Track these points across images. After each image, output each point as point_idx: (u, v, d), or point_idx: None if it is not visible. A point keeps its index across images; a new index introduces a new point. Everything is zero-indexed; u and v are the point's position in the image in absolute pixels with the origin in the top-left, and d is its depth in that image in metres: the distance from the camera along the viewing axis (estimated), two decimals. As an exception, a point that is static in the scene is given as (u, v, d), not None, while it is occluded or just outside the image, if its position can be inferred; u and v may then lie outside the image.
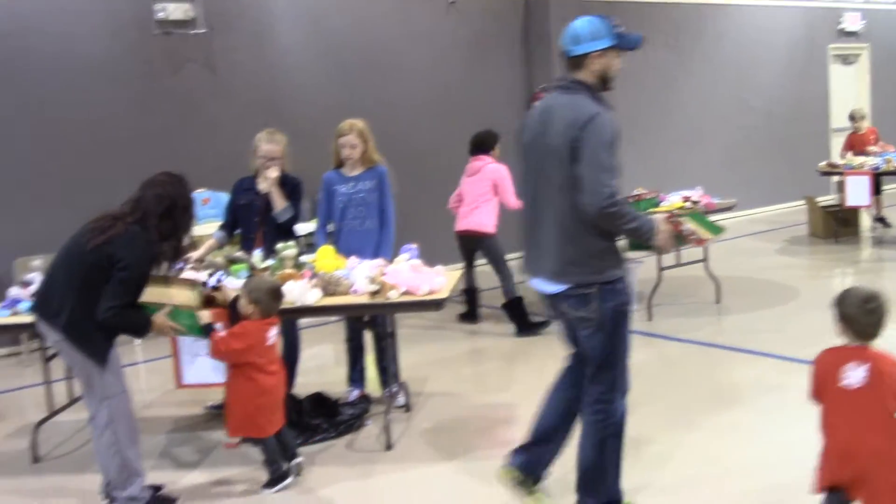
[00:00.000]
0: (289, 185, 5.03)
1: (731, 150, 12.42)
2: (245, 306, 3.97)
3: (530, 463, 3.46)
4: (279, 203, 4.88)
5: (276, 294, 4.05)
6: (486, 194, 6.76)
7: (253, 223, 5.03)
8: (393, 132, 5.13)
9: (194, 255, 4.86)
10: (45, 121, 7.34)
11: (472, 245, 6.87)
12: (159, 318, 3.75)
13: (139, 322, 3.71)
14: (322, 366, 6.06)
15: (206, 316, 3.89)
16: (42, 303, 3.71)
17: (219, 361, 4.00)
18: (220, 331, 3.89)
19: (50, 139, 7.35)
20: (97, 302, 3.54)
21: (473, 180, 6.88)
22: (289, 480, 3.99)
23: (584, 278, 3.15)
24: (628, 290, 3.27)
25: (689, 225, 3.50)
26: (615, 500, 3.37)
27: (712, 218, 4.48)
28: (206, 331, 3.87)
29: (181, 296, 3.87)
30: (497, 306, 6.96)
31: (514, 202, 6.43)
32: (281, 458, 4.00)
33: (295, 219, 4.96)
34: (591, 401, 3.32)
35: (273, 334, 3.98)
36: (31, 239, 7.22)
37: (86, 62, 7.51)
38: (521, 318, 6.64)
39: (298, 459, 4.10)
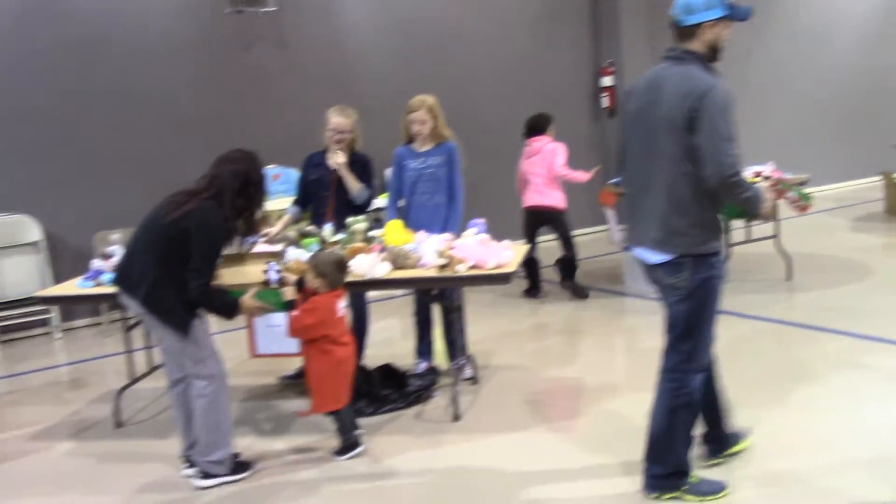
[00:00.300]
0: (359, 164, 5.11)
1: (804, 123, 12.12)
2: (312, 280, 4.05)
3: (719, 441, 3.58)
4: (353, 185, 4.98)
5: (342, 266, 4.13)
6: (551, 172, 6.99)
7: (323, 198, 5.13)
8: (459, 108, 5.16)
9: (272, 230, 4.98)
10: (123, 99, 7.56)
11: (541, 220, 7.09)
12: (247, 299, 3.84)
13: (229, 303, 3.80)
14: (389, 339, 6.16)
15: (289, 292, 4.02)
16: (123, 276, 3.83)
17: (296, 338, 4.09)
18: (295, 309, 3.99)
19: (127, 116, 7.58)
20: (175, 275, 3.64)
21: (535, 161, 7.09)
22: (360, 449, 4.09)
23: (685, 249, 3.18)
24: (722, 265, 3.29)
25: (793, 193, 3.48)
26: (682, 470, 3.38)
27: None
28: (290, 306, 3.99)
29: (257, 273, 3.99)
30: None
31: (567, 173, 6.92)
32: (353, 427, 4.10)
33: (371, 198, 5.05)
34: (667, 368, 3.38)
35: (342, 306, 4.07)
36: (110, 213, 7.47)
37: (161, 40, 7.70)
38: (570, 274, 7.10)
39: (360, 431, 4.21)
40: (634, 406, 4.47)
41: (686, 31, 3.21)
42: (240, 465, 3.94)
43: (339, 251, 4.36)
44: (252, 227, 3.98)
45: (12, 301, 7.07)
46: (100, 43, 7.42)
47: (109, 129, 7.51)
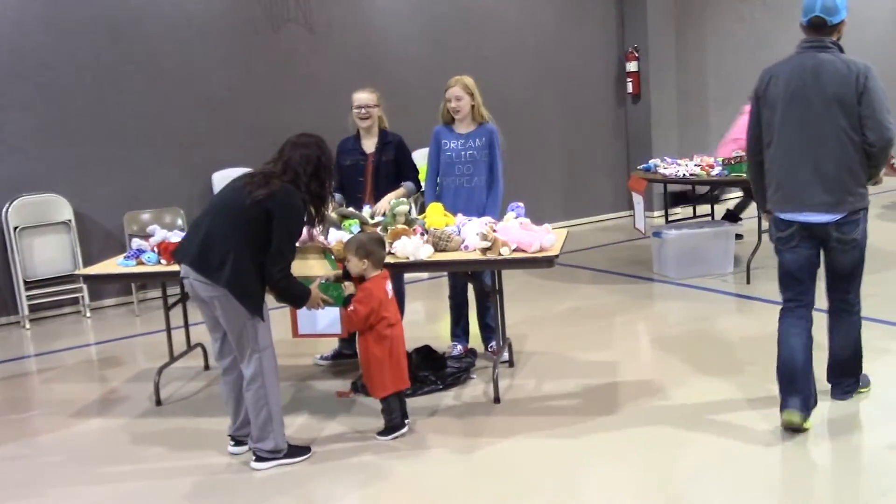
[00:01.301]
0: (393, 142, 5.14)
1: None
2: (356, 264, 4.04)
3: (806, 400, 3.87)
4: (399, 192, 5.10)
5: (382, 242, 4.17)
6: None
7: (358, 183, 5.13)
8: (487, 90, 5.14)
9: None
10: (154, 79, 7.57)
11: None
12: (314, 290, 3.87)
13: (303, 292, 3.82)
14: (414, 322, 6.15)
15: (350, 287, 4.05)
16: (201, 258, 3.67)
17: (353, 330, 4.10)
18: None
19: (157, 96, 7.59)
20: (255, 258, 3.63)
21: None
22: (404, 430, 4.12)
23: (856, 205, 3.78)
24: None
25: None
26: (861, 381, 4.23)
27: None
28: (348, 301, 4.01)
29: (320, 266, 4.02)
30: (591, 267, 6.99)
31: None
32: (398, 408, 4.13)
33: (419, 184, 5.16)
34: (851, 303, 4.05)
35: (390, 288, 4.09)
36: (140, 193, 7.52)
37: (193, 21, 7.70)
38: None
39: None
40: (670, 390, 4.50)
41: (829, 28, 3.88)
42: (295, 450, 3.93)
43: (370, 231, 4.38)
44: (321, 214, 3.96)
45: (43, 279, 7.11)
46: (132, 23, 7.42)
47: (140, 109, 7.52)
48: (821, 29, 3.88)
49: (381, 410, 4.14)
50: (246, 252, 3.62)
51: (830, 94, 3.71)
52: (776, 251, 4.04)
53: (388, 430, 4.11)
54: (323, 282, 3.98)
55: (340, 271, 4.15)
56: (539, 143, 9.83)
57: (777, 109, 3.87)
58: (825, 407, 4.07)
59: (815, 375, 3.94)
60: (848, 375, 4.17)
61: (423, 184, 5.28)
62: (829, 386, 4.20)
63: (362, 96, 5.09)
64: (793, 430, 3.82)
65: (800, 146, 3.81)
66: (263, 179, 3.68)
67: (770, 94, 3.89)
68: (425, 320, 6.41)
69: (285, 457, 3.87)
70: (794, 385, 3.86)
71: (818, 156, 3.76)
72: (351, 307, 3.97)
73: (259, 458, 3.85)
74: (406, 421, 4.16)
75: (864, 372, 4.23)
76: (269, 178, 3.69)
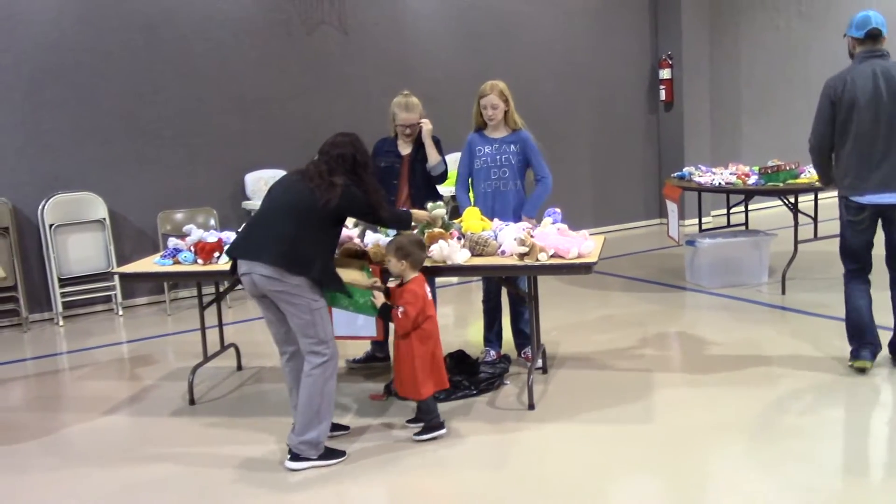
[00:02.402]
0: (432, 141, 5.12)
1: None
2: (395, 265, 4.07)
3: (874, 350, 4.73)
4: (434, 156, 5.03)
5: (422, 244, 4.19)
6: None
7: (393, 185, 5.11)
8: (519, 96, 5.12)
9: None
10: (188, 79, 7.61)
11: None
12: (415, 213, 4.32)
13: (406, 214, 4.36)
14: (443, 326, 6.11)
15: (380, 299, 4.07)
16: (285, 257, 3.75)
17: (406, 331, 4.07)
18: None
19: (191, 97, 7.64)
20: (331, 248, 3.95)
21: None
22: (442, 431, 4.10)
23: None
24: None
25: None
26: None
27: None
28: (382, 311, 4.05)
29: (354, 275, 4.05)
30: (623, 274, 6.94)
31: None
32: (436, 407, 4.12)
33: (444, 174, 5.07)
34: None
35: (428, 289, 4.10)
36: (174, 193, 7.56)
37: (226, 22, 7.74)
38: None
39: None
40: (705, 401, 4.45)
41: (883, 38, 4.67)
42: (331, 452, 3.93)
43: (411, 233, 4.39)
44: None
45: (77, 277, 7.17)
46: (166, 23, 7.47)
47: (174, 109, 7.57)
48: (878, 39, 4.64)
49: (418, 411, 4.14)
50: (326, 248, 3.89)
51: None
52: (845, 231, 4.72)
53: (426, 429, 4.10)
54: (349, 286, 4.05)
55: (378, 280, 4.19)
56: (570, 149, 9.79)
57: (855, 110, 4.55)
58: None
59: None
60: None
61: (447, 189, 5.27)
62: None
63: (405, 116, 5.02)
64: (862, 371, 4.70)
65: (877, 139, 4.52)
66: (322, 182, 3.84)
67: (846, 99, 4.57)
68: (455, 325, 6.39)
69: (321, 458, 3.87)
70: (865, 338, 4.73)
71: (892, 146, 4.51)
72: (401, 310, 3.98)
73: (294, 457, 3.85)
74: (444, 422, 4.15)
75: None
76: (330, 182, 3.84)
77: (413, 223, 4.39)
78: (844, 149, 4.62)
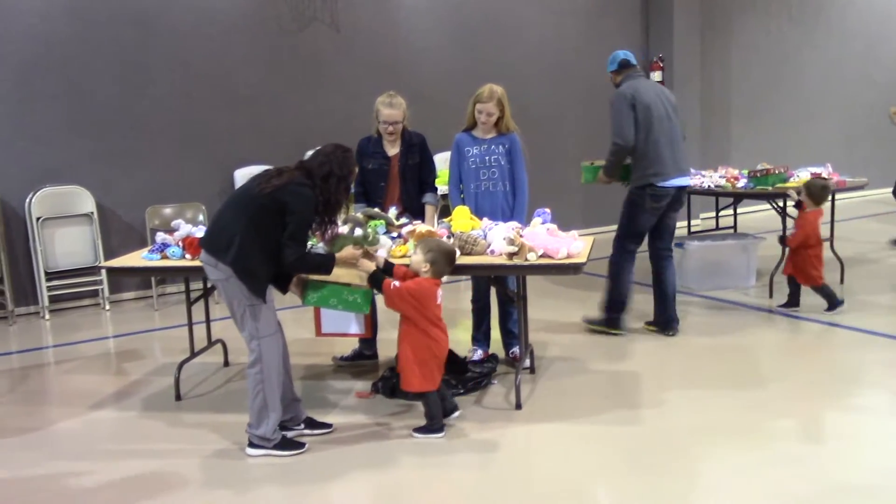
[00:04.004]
0: (417, 143, 5.11)
1: (852, 126, 11.99)
2: (419, 262, 4.06)
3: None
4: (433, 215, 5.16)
5: (452, 259, 4.15)
6: None
7: (380, 188, 5.09)
8: (510, 96, 5.12)
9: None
10: (178, 74, 7.59)
11: None
12: (346, 250, 4.04)
13: (324, 259, 3.98)
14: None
15: (367, 265, 4.06)
16: (211, 239, 3.86)
17: (393, 308, 4.07)
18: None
19: (181, 92, 7.61)
20: (264, 244, 3.76)
21: None
22: (439, 435, 4.10)
23: None
24: None
25: None
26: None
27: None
28: (372, 278, 4.02)
29: (339, 272, 4.04)
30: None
31: None
32: (440, 412, 4.13)
33: (434, 188, 5.16)
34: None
35: (441, 294, 4.09)
36: (162, 188, 7.53)
37: (218, 18, 7.72)
38: None
39: (456, 414, 4.28)
40: (692, 402, 4.46)
41: (634, 66, 5.49)
42: (289, 443, 3.99)
43: (449, 243, 4.35)
44: (330, 220, 4.00)
45: (64, 271, 7.13)
46: (157, 18, 7.45)
47: (164, 104, 7.54)
48: (630, 65, 5.57)
49: (424, 411, 4.16)
50: (254, 236, 3.76)
51: None
52: (640, 217, 5.59)
53: (425, 429, 4.11)
54: (352, 232, 4.06)
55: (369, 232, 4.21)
56: (560, 150, 9.79)
57: (652, 111, 5.39)
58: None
59: None
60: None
61: (439, 188, 5.27)
62: None
63: (390, 113, 4.98)
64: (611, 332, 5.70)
65: (672, 134, 5.55)
66: (276, 172, 3.85)
67: (641, 103, 5.38)
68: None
69: (276, 448, 3.93)
70: (626, 307, 5.77)
71: (677, 139, 5.56)
72: (395, 283, 3.98)
73: (252, 444, 3.95)
74: (444, 428, 4.15)
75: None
76: (282, 172, 3.84)
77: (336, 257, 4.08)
78: (648, 144, 5.40)
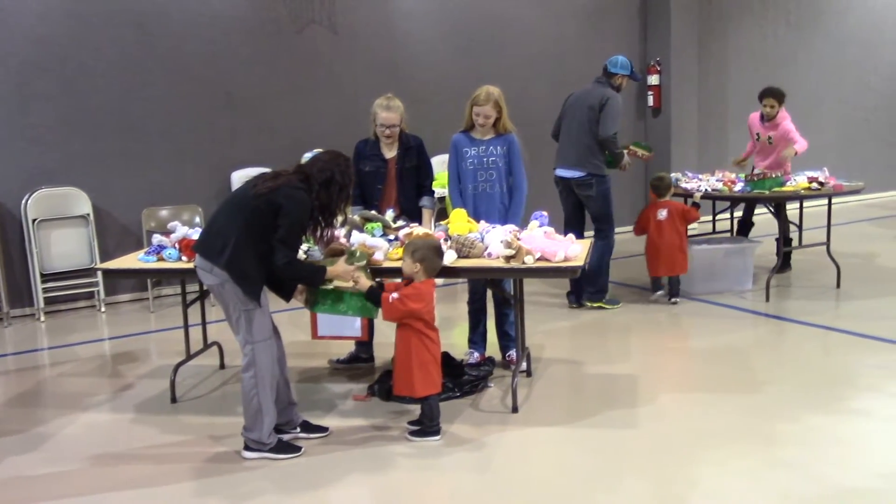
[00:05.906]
0: (415, 146, 5.10)
1: (848, 130, 12.01)
2: (409, 266, 4.04)
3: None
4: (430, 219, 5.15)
5: (440, 252, 4.16)
6: None
7: (377, 190, 5.08)
8: (507, 98, 5.12)
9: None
10: (176, 75, 7.57)
11: None
12: (340, 264, 4.04)
13: (314, 270, 3.98)
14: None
15: (363, 282, 4.06)
16: (205, 243, 3.86)
17: (393, 321, 4.07)
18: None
19: (179, 93, 7.59)
20: (258, 246, 3.74)
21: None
22: (436, 438, 4.09)
23: None
24: None
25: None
26: None
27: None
28: (370, 294, 4.03)
29: (347, 286, 4.07)
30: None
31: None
32: (438, 416, 4.12)
33: (431, 191, 5.13)
34: None
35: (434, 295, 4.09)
36: (159, 190, 7.52)
37: (216, 19, 7.70)
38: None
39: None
40: (688, 406, 4.45)
41: (607, 73, 6.43)
42: (285, 446, 3.98)
43: (433, 238, 4.34)
44: (328, 226, 4.01)
45: (59, 273, 7.11)
46: (156, 19, 7.43)
47: (162, 106, 7.52)
48: (604, 72, 6.47)
49: (421, 413, 4.15)
50: (248, 239, 3.75)
51: None
52: (610, 197, 6.54)
53: (422, 432, 4.10)
54: (352, 254, 4.07)
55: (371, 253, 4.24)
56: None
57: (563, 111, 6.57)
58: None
59: None
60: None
61: (436, 191, 5.26)
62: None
63: (387, 116, 4.96)
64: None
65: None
66: (272, 175, 3.85)
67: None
68: (439, 326, 6.26)
69: (271, 451, 3.94)
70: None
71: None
72: (394, 296, 3.97)
73: (248, 447, 3.95)
74: (440, 430, 4.14)
75: None
76: (278, 175, 3.83)
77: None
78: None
